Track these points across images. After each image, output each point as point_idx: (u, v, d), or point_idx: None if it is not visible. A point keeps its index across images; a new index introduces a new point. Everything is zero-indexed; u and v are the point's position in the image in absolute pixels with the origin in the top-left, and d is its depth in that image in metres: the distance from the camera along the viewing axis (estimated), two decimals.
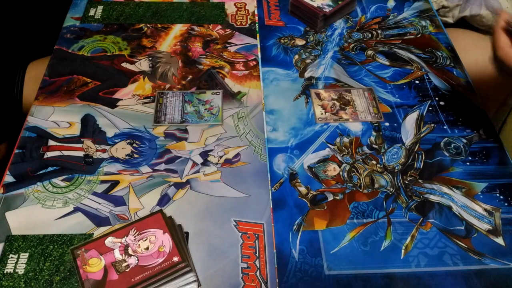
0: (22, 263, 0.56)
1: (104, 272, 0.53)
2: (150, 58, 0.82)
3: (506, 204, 0.64)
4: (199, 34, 0.87)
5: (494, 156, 0.69)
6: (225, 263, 0.57)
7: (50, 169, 0.66)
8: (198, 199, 0.63)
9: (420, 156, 0.69)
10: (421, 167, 0.68)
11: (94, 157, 0.67)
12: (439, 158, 0.69)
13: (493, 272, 0.57)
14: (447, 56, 0.84)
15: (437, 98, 0.76)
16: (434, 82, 0.79)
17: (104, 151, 0.68)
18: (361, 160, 0.68)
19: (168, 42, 0.85)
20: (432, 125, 0.73)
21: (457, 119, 0.74)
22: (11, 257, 0.56)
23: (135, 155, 0.68)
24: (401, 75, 0.80)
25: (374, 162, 0.68)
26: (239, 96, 0.77)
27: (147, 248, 0.55)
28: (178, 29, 0.88)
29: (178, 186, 0.64)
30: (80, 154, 0.67)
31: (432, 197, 0.64)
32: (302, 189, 0.65)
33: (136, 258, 0.54)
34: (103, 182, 0.64)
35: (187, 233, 0.59)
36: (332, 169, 0.67)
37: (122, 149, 0.68)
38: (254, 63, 0.82)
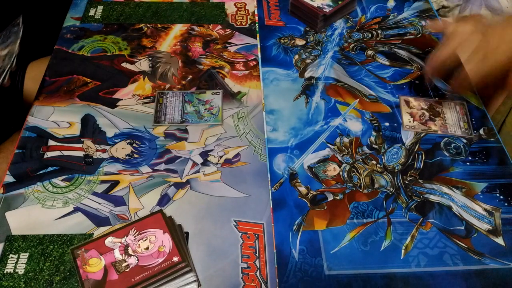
0: (22, 263, 0.56)
1: (104, 272, 0.53)
2: (150, 58, 0.82)
3: (506, 204, 0.64)
4: (199, 34, 0.87)
5: (494, 156, 0.69)
6: (225, 263, 0.57)
7: (50, 169, 0.66)
8: (198, 199, 0.63)
9: (420, 156, 0.69)
10: (421, 167, 0.68)
11: (94, 157, 0.67)
12: (439, 158, 0.69)
13: (493, 272, 0.57)
14: None
15: (437, 98, 0.76)
16: (434, 82, 0.79)
17: (104, 151, 0.68)
18: (361, 160, 0.68)
19: (168, 42, 0.85)
20: None
21: None
22: (11, 257, 0.56)
23: (135, 155, 0.68)
24: (401, 75, 0.80)
25: (374, 162, 0.68)
26: (239, 96, 0.77)
27: (147, 248, 0.55)
28: (178, 29, 0.88)
29: (178, 186, 0.64)
30: (80, 154, 0.67)
31: (432, 197, 0.64)
32: (302, 189, 0.65)
33: (136, 258, 0.54)
34: (103, 182, 0.65)
35: (187, 233, 0.59)
36: (332, 169, 0.67)
37: (122, 149, 0.68)
38: (254, 63, 0.82)
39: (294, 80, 0.79)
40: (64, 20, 0.89)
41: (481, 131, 0.72)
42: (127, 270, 0.53)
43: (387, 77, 0.80)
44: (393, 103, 0.76)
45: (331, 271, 0.57)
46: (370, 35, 0.87)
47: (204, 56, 0.83)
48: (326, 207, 0.63)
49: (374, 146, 0.70)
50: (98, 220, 0.60)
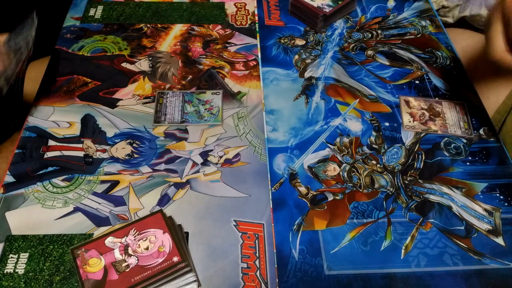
0: (22, 263, 0.56)
1: (104, 272, 0.53)
2: (150, 58, 0.82)
3: (506, 204, 0.64)
4: (199, 34, 0.87)
5: (494, 156, 0.69)
6: (225, 263, 0.57)
7: (50, 169, 0.66)
8: (198, 199, 0.63)
9: (420, 156, 0.69)
10: (421, 167, 0.68)
11: (94, 157, 0.67)
12: (439, 158, 0.69)
13: (493, 272, 0.57)
14: (447, 56, 0.84)
15: (437, 98, 0.76)
16: (434, 82, 0.79)
17: (104, 151, 0.68)
18: (361, 160, 0.68)
19: (168, 42, 0.85)
20: None
21: None
22: (11, 257, 0.56)
23: (135, 155, 0.68)
24: (401, 75, 0.80)
25: (374, 162, 0.68)
26: (239, 96, 0.77)
27: (147, 248, 0.55)
28: (178, 29, 0.88)
29: (178, 186, 0.64)
30: (80, 154, 0.67)
31: (432, 197, 0.64)
32: (302, 189, 0.65)
33: (136, 258, 0.54)
34: (103, 182, 0.65)
35: (187, 233, 0.59)
36: (332, 169, 0.67)
37: (122, 149, 0.68)
38: (254, 63, 0.82)
39: (294, 80, 0.79)
40: (64, 20, 0.89)
41: (481, 131, 0.72)
42: (127, 270, 0.53)
43: (387, 77, 0.80)
44: (393, 103, 0.76)
45: (331, 271, 0.57)
46: (370, 35, 0.87)
47: (204, 56, 0.83)
48: (326, 207, 0.63)
49: (374, 146, 0.70)
50: (98, 220, 0.60)
